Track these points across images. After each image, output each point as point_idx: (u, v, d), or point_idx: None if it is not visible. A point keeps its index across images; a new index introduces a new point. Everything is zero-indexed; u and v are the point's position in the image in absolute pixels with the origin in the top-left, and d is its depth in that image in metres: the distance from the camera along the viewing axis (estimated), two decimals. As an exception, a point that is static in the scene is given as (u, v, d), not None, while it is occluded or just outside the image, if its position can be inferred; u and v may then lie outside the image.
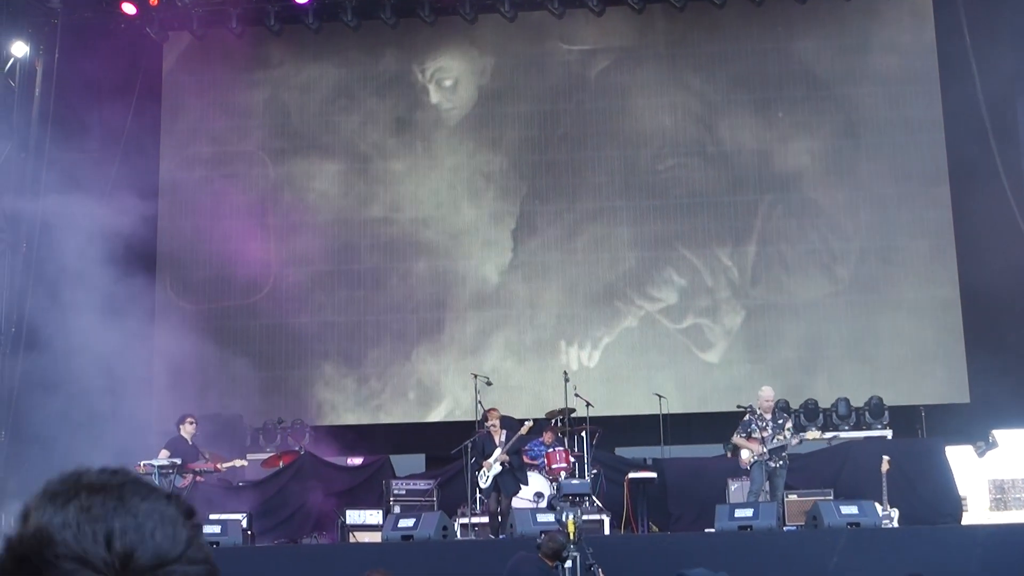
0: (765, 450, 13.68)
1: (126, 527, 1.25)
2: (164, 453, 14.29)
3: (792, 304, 18.48)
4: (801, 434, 14.19)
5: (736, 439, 14.09)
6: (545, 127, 19.25)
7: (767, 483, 13.85)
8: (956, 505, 14.56)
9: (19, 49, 17.64)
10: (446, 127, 19.47)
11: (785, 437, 13.72)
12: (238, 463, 15.08)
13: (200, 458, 14.47)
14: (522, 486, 14.60)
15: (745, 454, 13.85)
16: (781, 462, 13.80)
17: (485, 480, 14.48)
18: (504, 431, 14.68)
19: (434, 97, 19.55)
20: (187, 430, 14.56)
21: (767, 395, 14.16)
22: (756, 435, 13.84)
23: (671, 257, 18.68)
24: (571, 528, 10.51)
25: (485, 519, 14.68)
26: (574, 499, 14.29)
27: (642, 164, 18.94)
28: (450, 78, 19.57)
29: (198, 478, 14.32)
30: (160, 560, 1.24)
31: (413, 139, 19.46)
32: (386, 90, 19.63)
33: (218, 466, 14.54)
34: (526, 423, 14.56)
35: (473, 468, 14.66)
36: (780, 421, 13.96)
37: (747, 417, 14.10)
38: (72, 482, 1.29)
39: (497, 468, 14.39)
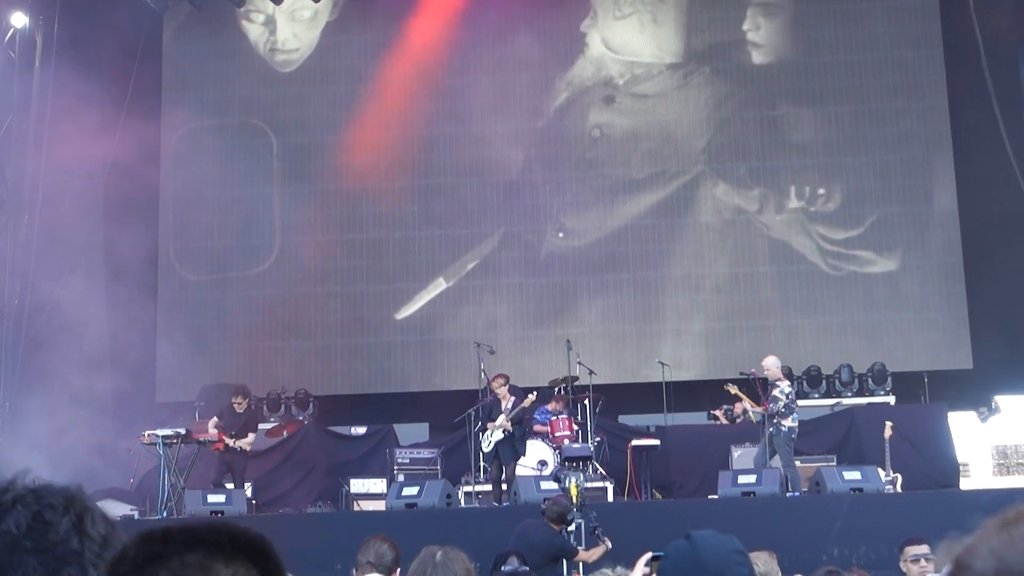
0: (750, 412, 13.89)
1: None
2: (214, 421, 14.73)
3: (794, 270, 18.45)
4: (776, 403, 13.79)
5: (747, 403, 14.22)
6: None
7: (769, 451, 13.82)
8: (954, 471, 14.60)
9: (19, 20, 17.53)
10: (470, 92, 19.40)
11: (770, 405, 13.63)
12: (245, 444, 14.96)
13: (250, 429, 14.80)
14: (521, 456, 14.56)
15: (741, 407, 14.10)
16: (772, 428, 13.62)
17: (488, 444, 14.36)
18: (513, 397, 14.56)
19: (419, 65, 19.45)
20: (240, 404, 14.85)
21: (768, 364, 14.09)
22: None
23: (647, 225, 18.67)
24: (574, 492, 10.56)
25: (489, 487, 14.65)
26: (576, 464, 14.30)
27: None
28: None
29: (214, 446, 14.52)
30: None
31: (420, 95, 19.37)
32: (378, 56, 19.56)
33: (225, 441, 14.57)
34: (530, 395, 14.52)
35: (478, 433, 14.63)
36: (775, 392, 13.76)
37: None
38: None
39: (499, 435, 14.25)
